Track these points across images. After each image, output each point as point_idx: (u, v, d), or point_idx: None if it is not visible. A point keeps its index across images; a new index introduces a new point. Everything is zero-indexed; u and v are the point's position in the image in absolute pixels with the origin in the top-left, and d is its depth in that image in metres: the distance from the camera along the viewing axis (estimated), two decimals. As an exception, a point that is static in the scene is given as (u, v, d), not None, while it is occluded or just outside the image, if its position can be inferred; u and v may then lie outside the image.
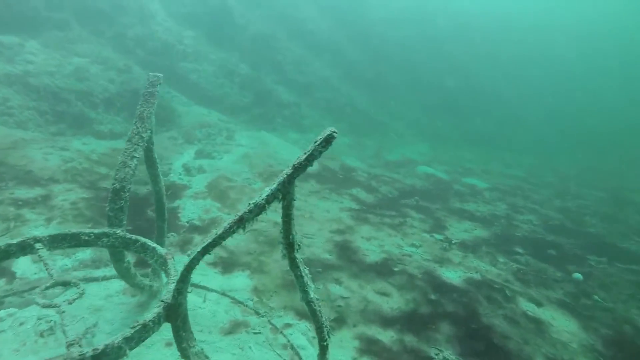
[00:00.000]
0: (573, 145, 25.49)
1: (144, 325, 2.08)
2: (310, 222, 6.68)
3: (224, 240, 2.24)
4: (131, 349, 2.01)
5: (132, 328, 2.04)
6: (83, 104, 9.20)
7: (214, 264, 4.99)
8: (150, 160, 3.76)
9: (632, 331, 5.18)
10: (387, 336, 4.21)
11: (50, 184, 6.13)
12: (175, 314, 2.35)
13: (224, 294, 4.46)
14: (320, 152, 1.98)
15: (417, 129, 19.80)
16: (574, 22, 38.30)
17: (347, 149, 14.48)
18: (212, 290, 4.48)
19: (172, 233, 5.72)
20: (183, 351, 2.43)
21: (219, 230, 2.20)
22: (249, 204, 2.16)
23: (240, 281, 4.78)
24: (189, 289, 4.37)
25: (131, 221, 5.71)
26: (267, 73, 16.64)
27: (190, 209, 6.65)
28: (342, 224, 6.86)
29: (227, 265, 5.03)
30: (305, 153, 2.03)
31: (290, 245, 2.26)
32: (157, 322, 2.20)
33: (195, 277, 4.68)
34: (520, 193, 12.79)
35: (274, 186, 2.13)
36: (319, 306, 2.51)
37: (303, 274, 2.34)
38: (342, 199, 8.35)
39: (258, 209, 2.11)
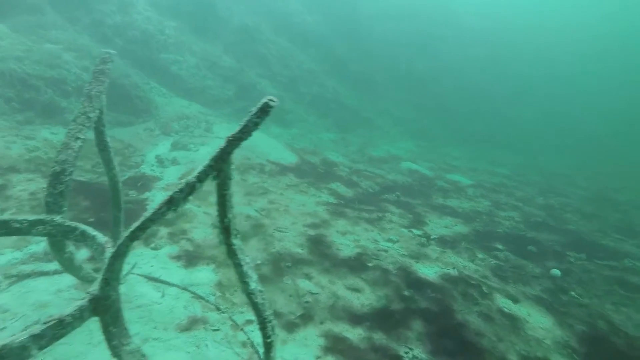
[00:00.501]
0: (560, 145, 25.69)
1: (60, 321, 1.84)
2: (284, 216, 6.46)
3: (154, 224, 2.01)
4: (41, 348, 1.77)
5: (44, 323, 1.81)
6: (54, 92, 8.82)
7: (177, 257, 4.74)
8: (101, 144, 3.50)
9: (606, 327, 5.07)
10: (355, 334, 4.02)
11: (9, 174, 5.81)
12: (103, 307, 2.12)
13: (184, 288, 4.22)
14: (256, 123, 1.77)
15: (405, 126, 19.69)
16: (567, 24, 38.66)
17: (331, 144, 14.29)
18: (172, 285, 4.24)
19: (137, 225, 5.44)
20: (114, 349, 2.20)
21: (148, 213, 1.97)
22: (180, 183, 1.93)
23: (204, 275, 4.54)
24: (150, 283, 4.15)
25: (95, 213, 5.45)
26: (251, 66, 16.35)
27: (158, 201, 6.37)
28: (317, 217, 6.65)
29: (192, 259, 4.79)
30: (240, 125, 1.80)
31: (226, 230, 2.03)
32: (78, 317, 1.96)
33: (156, 270, 4.45)
34: (504, 190, 12.74)
35: (205, 162, 1.90)
36: (262, 299, 2.28)
37: (242, 263, 2.12)
38: (321, 193, 8.15)
39: (189, 188, 1.88)
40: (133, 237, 1.96)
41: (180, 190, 1.86)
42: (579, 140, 27.08)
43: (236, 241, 2.10)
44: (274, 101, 1.72)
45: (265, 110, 1.72)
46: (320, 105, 17.36)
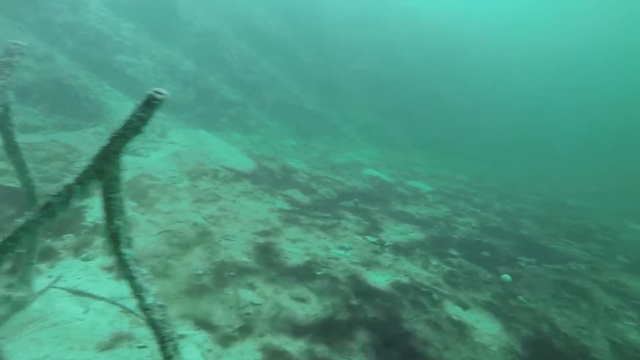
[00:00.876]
0: (520, 153, 26.55)
1: None
2: (233, 223, 6.21)
3: (29, 233, 1.75)
4: None
5: None
6: (-10, 92, 8.22)
7: (109, 269, 4.41)
8: (10, 145, 3.19)
9: (549, 330, 5.11)
10: (295, 347, 3.82)
11: None
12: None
13: (113, 302, 3.91)
14: (142, 118, 1.57)
15: (369, 133, 19.79)
16: (529, 39, 40.28)
17: (293, 150, 14.12)
18: (99, 298, 3.92)
19: (70, 234, 5.06)
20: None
21: (21, 221, 1.72)
22: (57, 187, 1.69)
23: (138, 288, 4.23)
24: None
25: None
26: (213, 71, 16.00)
27: (99, 209, 5.98)
28: (268, 225, 6.44)
29: (125, 270, 4.46)
30: (123, 120, 1.60)
31: (113, 238, 1.80)
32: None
33: (83, 283, 4.11)
34: (463, 196, 12.92)
35: (87, 163, 1.67)
36: (162, 315, 2.05)
37: (135, 275, 1.88)
38: (276, 199, 7.94)
39: (67, 192, 1.64)
40: (3, 249, 1.70)
41: (58, 195, 1.62)
42: (537, 149, 28.11)
43: (127, 250, 1.87)
44: (161, 93, 1.52)
45: (151, 103, 1.52)
46: (283, 111, 17.17)
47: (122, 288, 4.17)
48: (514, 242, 8.83)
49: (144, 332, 3.58)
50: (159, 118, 11.07)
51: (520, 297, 5.91)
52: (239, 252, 5.35)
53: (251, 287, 4.65)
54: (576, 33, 45.04)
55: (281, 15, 20.70)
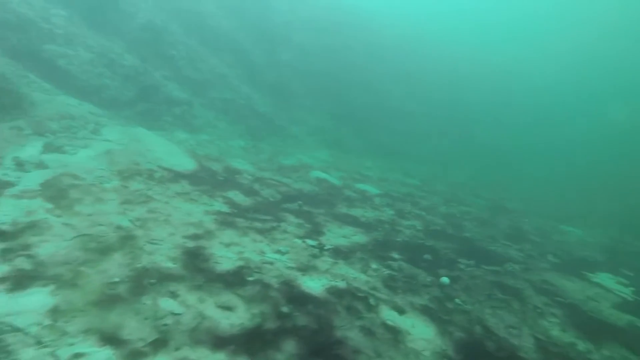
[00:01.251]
0: (467, 158, 27.53)
1: None
2: (162, 226, 5.77)
3: None
4: None
5: None
6: None
7: (1, 280, 3.86)
8: None
9: (481, 332, 5.13)
10: (214, 360, 3.50)
11: None
12: None
13: (-1, 318, 3.39)
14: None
15: (320, 136, 19.69)
16: (479, 48, 42.00)
17: (240, 151, 13.68)
18: (-18, 314, 3.39)
19: (-38, 239, 4.43)
20: None
21: None
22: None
23: (35, 300, 3.73)
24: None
25: None
26: (157, 67, 15.22)
27: (5, 210, 5.33)
28: (201, 228, 6.05)
29: (23, 280, 3.94)
30: None
31: None
32: None
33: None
34: (410, 200, 13.07)
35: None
36: None
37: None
38: (214, 201, 7.54)
39: None
40: None
41: None
42: (483, 154, 29.33)
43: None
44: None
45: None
46: (232, 111, 16.67)
47: (16, 301, 3.67)
48: (455, 245, 8.96)
49: (32, 354, 3.12)
50: (92, 114, 10.27)
51: (457, 300, 5.92)
52: (164, 257, 4.93)
53: (173, 295, 4.26)
54: (519, 33, 47.59)
55: (233, 15, 20.20)
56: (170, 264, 4.82)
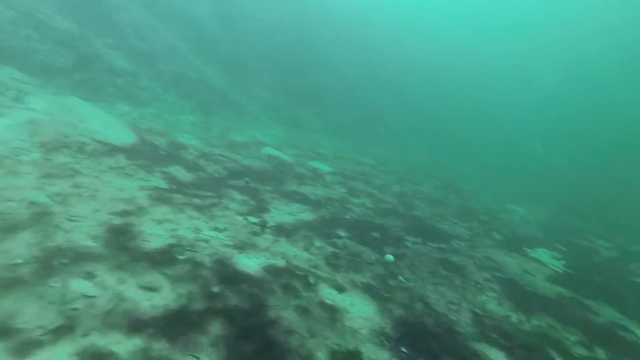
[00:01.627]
0: (424, 140, 27.97)
1: None
2: (87, 202, 5.26)
3: None
4: None
5: None
6: None
7: None
8: None
9: (422, 309, 5.11)
10: (127, 346, 3.18)
11: None
12: None
13: None
14: None
15: (276, 113, 19.17)
16: (433, 25, 42.32)
17: (189, 127, 13.01)
18: None
19: None
20: None
21: None
22: None
23: None
24: None
25: None
26: (98, 34, 14.05)
27: None
28: (132, 204, 5.59)
29: None
30: None
31: None
32: None
33: None
34: (363, 178, 13.02)
35: None
36: None
37: None
38: (152, 177, 7.04)
39: None
40: None
41: None
42: (439, 136, 29.91)
43: None
44: None
45: None
46: (183, 85, 15.80)
47: None
48: (405, 223, 8.97)
49: None
50: (13, 79, 9.28)
51: (400, 277, 5.87)
52: (83, 235, 4.48)
53: (88, 276, 3.86)
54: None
55: (184, -19, 18.98)
56: (89, 243, 4.37)
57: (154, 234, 4.95)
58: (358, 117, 24.92)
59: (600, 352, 5.32)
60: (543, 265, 8.46)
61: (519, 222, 12.82)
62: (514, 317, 5.64)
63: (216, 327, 3.64)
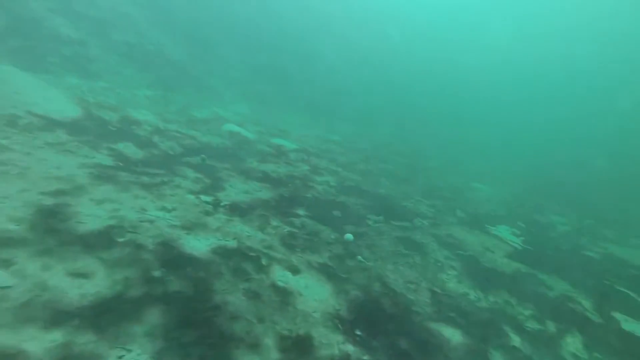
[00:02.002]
0: (392, 119, 27.87)
1: None
2: (12, 181, 4.74)
3: None
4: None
5: None
6: None
7: None
8: None
9: (379, 289, 4.98)
10: (44, 341, 2.84)
11: None
12: None
13: None
14: None
15: (240, 89, 18.49)
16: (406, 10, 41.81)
17: (146, 101, 12.28)
18: None
19: None
20: None
21: None
22: None
23: None
24: None
25: None
26: (40, -4, 12.89)
27: None
28: (70, 183, 5.11)
29: None
30: None
31: None
32: None
33: None
34: (328, 156, 12.77)
35: None
36: None
37: None
38: (96, 154, 6.51)
39: None
40: None
41: None
42: (407, 115, 29.94)
43: None
44: None
45: None
46: (139, 57, 14.86)
47: None
48: (368, 201, 8.83)
49: None
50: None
51: (359, 257, 5.71)
52: (3, 218, 4.01)
53: (5, 264, 3.44)
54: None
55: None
56: (10, 226, 3.92)
57: (91, 214, 4.53)
58: (325, 94, 24.48)
59: (551, 325, 5.39)
60: (503, 242, 8.57)
61: (483, 200, 13.00)
62: (472, 295, 5.62)
63: (153, 316, 3.34)
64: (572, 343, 5.14)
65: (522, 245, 8.66)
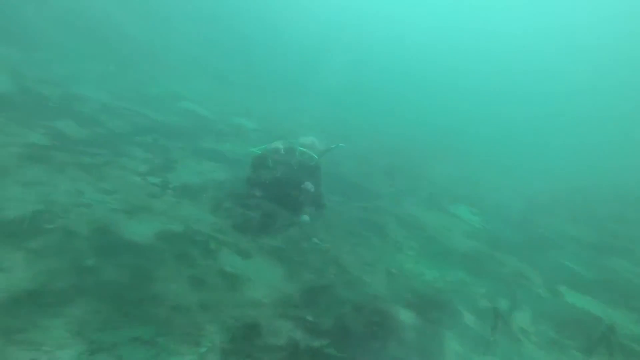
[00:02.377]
0: (360, 100, 27.61)
1: None
2: None
3: None
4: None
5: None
6: None
7: None
8: None
9: (335, 272, 4.85)
10: (-56, 344, 2.49)
11: None
12: None
13: None
14: None
15: (200, 66, 17.69)
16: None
17: (97, 77, 11.44)
18: None
19: None
20: None
21: None
22: None
23: None
24: None
25: None
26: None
27: None
28: (-8, 165, 4.62)
29: None
30: None
31: None
32: None
33: None
34: (292, 136, 12.43)
35: None
36: None
37: None
38: (30, 132, 5.95)
39: None
40: None
41: None
42: (375, 96, 29.78)
43: None
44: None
45: None
46: (87, 28, 13.84)
47: None
48: (328, 181, 8.64)
49: None
50: None
51: (315, 239, 5.56)
52: None
53: None
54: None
55: None
56: None
57: (14, 199, 4.10)
58: (292, 73, 23.89)
59: (504, 302, 5.46)
60: (462, 220, 8.67)
61: (445, 178, 13.13)
62: (429, 275, 5.61)
63: (79, 309, 3.04)
64: (522, 318, 5.22)
65: (480, 224, 8.79)
